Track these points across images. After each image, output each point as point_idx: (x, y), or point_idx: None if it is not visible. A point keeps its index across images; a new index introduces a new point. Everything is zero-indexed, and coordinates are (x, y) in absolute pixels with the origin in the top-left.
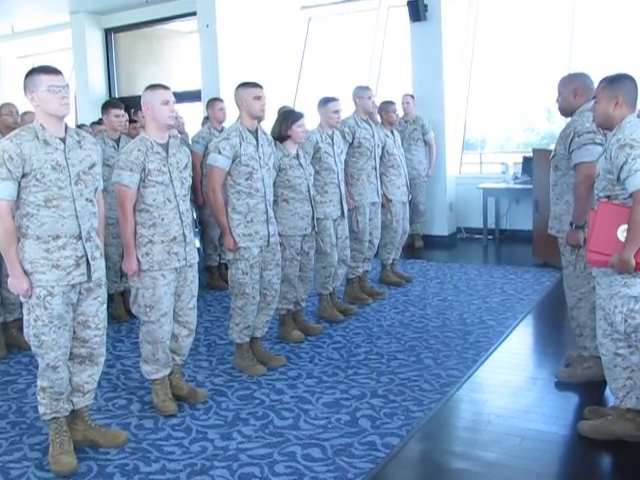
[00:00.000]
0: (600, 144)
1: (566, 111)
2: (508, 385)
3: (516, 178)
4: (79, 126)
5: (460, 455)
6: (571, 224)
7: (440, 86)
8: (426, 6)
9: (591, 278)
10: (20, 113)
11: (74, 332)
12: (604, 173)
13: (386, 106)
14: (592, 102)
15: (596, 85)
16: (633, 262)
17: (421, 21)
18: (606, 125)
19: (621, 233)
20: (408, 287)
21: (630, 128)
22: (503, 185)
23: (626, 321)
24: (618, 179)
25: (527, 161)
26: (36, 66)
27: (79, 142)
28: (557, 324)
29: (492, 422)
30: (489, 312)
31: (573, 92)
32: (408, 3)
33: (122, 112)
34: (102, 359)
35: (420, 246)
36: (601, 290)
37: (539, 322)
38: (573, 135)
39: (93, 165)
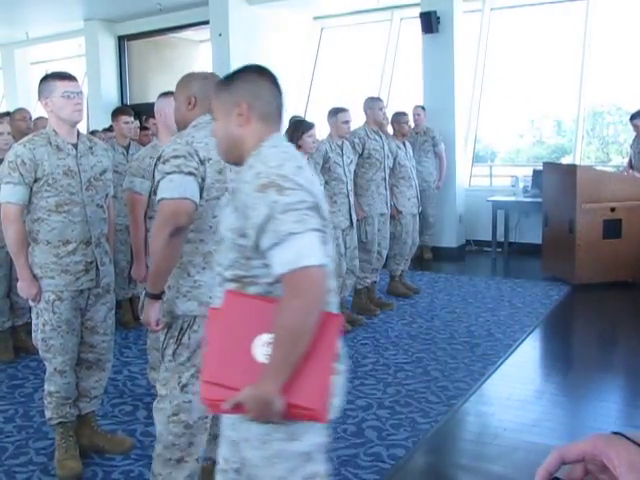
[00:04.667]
0: None
1: None
2: (515, 398)
3: (526, 191)
4: (92, 132)
5: (466, 468)
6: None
7: (451, 98)
8: (439, 18)
9: None
10: (33, 119)
11: (82, 337)
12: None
13: (398, 117)
14: None
15: None
16: (279, 402)
17: (433, 33)
18: None
19: (260, 349)
20: (416, 299)
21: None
22: (513, 198)
23: None
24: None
25: (537, 174)
26: (51, 72)
27: (91, 148)
28: (565, 338)
29: (499, 435)
30: (497, 325)
31: None
32: (421, 15)
33: (131, 119)
34: (109, 365)
35: (429, 258)
36: (250, 451)
37: (547, 336)
38: None
39: (104, 171)
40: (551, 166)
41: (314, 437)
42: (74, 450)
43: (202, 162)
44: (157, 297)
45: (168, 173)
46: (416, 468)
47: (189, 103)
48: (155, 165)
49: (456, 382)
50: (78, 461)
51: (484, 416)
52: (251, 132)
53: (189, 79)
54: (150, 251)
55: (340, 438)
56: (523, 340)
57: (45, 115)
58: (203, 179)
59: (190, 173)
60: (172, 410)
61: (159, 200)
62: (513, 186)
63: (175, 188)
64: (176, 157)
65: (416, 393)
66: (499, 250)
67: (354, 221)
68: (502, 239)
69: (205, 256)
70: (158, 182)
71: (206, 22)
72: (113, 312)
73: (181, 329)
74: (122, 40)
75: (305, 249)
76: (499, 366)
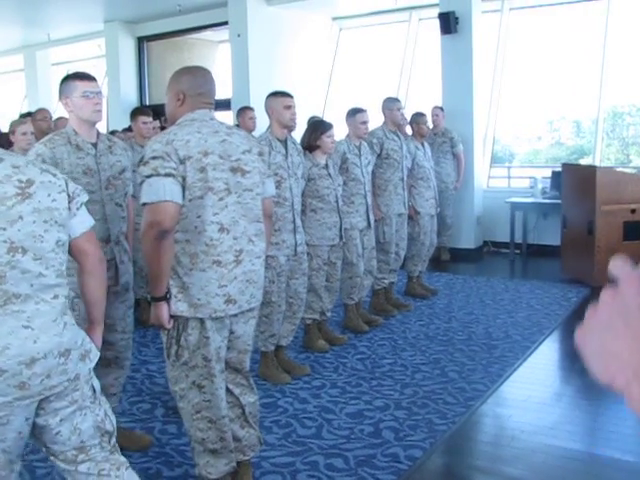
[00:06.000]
0: None
1: None
2: (533, 401)
3: (544, 193)
4: (111, 132)
5: (483, 470)
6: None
7: (470, 99)
8: (457, 19)
9: None
10: (54, 119)
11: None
12: None
13: (417, 118)
14: None
15: None
16: None
17: (452, 34)
18: None
19: None
20: (434, 300)
21: None
22: (531, 199)
23: None
24: None
25: (556, 176)
26: (71, 72)
27: (110, 147)
28: None
29: (516, 438)
30: (515, 326)
31: None
32: (439, 15)
33: (150, 119)
34: (128, 363)
35: (446, 259)
36: None
37: (565, 338)
38: None
39: (123, 170)
40: (570, 167)
41: None
42: None
43: (182, 161)
44: (161, 299)
45: (147, 177)
46: (433, 469)
47: (178, 99)
48: (138, 166)
49: (473, 384)
50: None
51: (501, 418)
52: None
53: (179, 75)
54: (144, 256)
55: (357, 438)
56: (541, 342)
57: (65, 115)
58: (184, 178)
59: (168, 174)
60: (193, 409)
61: (142, 204)
62: (532, 187)
63: (154, 192)
64: (154, 158)
65: (433, 394)
66: (517, 251)
67: (372, 222)
68: (520, 240)
69: (192, 257)
70: (140, 185)
71: (225, 23)
72: (132, 310)
73: (178, 330)
74: (141, 41)
75: None
76: (517, 368)
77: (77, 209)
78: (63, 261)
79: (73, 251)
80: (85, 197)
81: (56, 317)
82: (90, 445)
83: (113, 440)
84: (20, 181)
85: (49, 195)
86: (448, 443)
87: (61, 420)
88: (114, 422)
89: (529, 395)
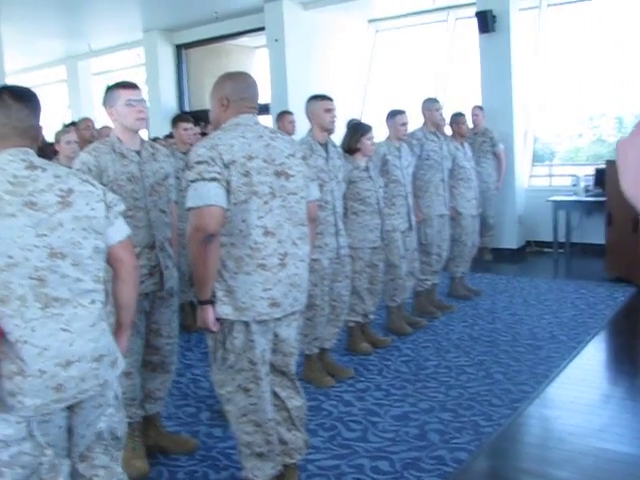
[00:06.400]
0: None
1: None
2: (581, 402)
3: (587, 191)
4: (153, 139)
5: (531, 473)
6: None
7: (509, 97)
8: (495, 17)
9: None
10: (96, 127)
11: (147, 340)
12: None
13: (456, 118)
14: None
15: None
16: None
17: (490, 32)
18: None
19: None
20: (477, 301)
21: None
22: (574, 198)
23: None
24: None
25: (599, 173)
26: (116, 82)
27: (153, 154)
28: (631, 341)
29: (564, 440)
30: (560, 327)
31: None
32: (477, 14)
33: (191, 125)
34: (173, 367)
35: (489, 259)
36: None
37: (612, 338)
38: None
39: (166, 177)
40: (614, 164)
41: (4, 429)
42: (141, 450)
43: (226, 166)
44: (207, 302)
45: (192, 181)
46: (479, 472)
47: (222, 105)
48: (183, 171)
49: (519, 385)
50: (145, 461)
51: (548, 420)
52: None
53: (222, 80)
54: (190, 260)
55: (403, 441)
56: (588, 342)
57: (108, 124)
58: (228, 182)
59: (213, 179)
60: (240, 412)
61: (187, 209)
62: (574, 185)
63: (199, 196)
64: (199, 163)
65: (479, 396)
66: (561, 251)
67: (413, 223)
68: (563, 239)
69: (237, 260)
70: (185, 190)
71: (262, 28)
72: (177, 315)
73: (223, 333)
74: (180, 48)
75: None
76: (563, 369)
77: (115, 218)
78: (100, 267)
79: (109, 258)
80: (122, 207)
81: (94, 322)
82: (97, 445)
83: (119, 450)
84: (61, 190)
85: (87, 204)
86: (494, 445)
87: (87, 425)
88: (125, 430)
89: (576, 397)
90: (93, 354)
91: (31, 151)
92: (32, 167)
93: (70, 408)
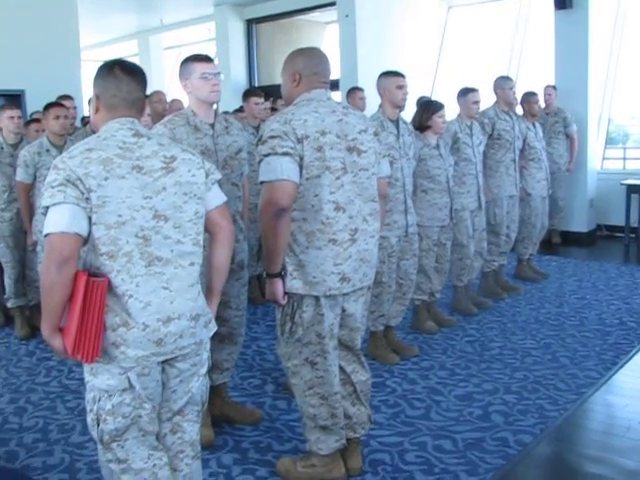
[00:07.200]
0: None
1: None
2: None
3: None
4: (224, 113)
5: (596, 460)
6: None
7: (585, 77)
8: None
9: None
10: (169, 100)
11: (216, 311)
12: None
13: (528, 97)
14: None
15: None
16: (53, 342)
17: (566, 9)
18: None
19: None
20: (544, 283)
21: None
22: None
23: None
24: None
25: None
26: (190, 54)
27: (227, 128)
28: None
29: (632, 428)
30: (630, 313)
31: None
32: None
33: (262, 100)
34: (241, 339)
35: (558, 242)
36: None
37: None
38: None
39: (240, 150)
40: None
41: (107, 379)
42: (207, 419)
43: (299, 140)
44: (276, 275)
45: (265, 155)
46: (543, 456)
47: (294, 80)
48: (256, 145)
49: (586, 370)
50: (211, 429)
51: (616, 407)
52: (99, 119)
53: (294, 56)
54: (261, 233)
55: (466, 421)
56: None
57: (179, 97)
58: (301, 157)
59: (285, 153)
60: (306, 385)
61: (260, 183)
62: None
63: (272, 171)
64: (272, 137)
65: (544, 379)
66: (632, 236)
67: (482, 203)
68: (636, 224)
69: (308, 235)
70: (258, 164)
71: (333, 4)
72: (246, 288)
73: (292, 307)
74: (250, 23)
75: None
76: (632, 356)
77: (212, 184)
78: (200, 232)
79: (207, 223)
80: (218, 175)
81: (192, 283)
82: (189, 411)
83: (200, 414)
84: (165, 157)
85: (189, 170)
86: (559, 430)
87: (180, 381)
88: (207, 396)
89: None
90: (191, 312)
91: (137, 121)
92: (138, 135)
93: (166, 362)
